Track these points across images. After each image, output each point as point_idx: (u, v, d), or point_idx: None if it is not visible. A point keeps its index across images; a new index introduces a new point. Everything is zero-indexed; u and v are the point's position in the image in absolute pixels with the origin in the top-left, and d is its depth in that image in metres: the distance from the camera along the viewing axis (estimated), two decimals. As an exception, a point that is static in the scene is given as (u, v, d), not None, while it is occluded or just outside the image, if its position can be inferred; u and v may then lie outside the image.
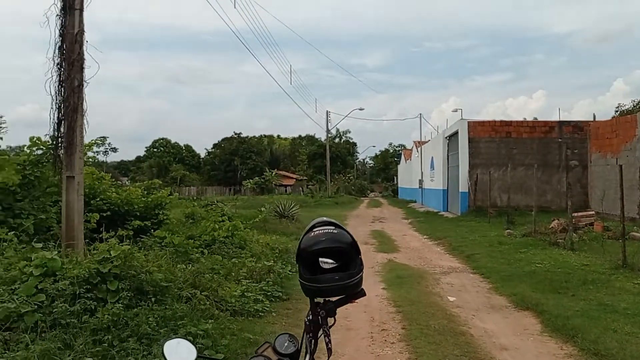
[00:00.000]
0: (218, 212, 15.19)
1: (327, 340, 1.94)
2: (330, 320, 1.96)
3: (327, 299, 1.95)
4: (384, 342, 6.35)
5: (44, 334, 5.00)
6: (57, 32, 8.14)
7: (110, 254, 6.08)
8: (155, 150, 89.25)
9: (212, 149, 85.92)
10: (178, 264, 8.07)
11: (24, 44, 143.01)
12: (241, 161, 76.78)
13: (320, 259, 1.88)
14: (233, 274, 8.88)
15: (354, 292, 1.94)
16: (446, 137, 30.18)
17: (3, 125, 9.99)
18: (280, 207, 21.74)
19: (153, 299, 6.02)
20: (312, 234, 1.92)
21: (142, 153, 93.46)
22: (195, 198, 33.11)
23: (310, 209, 31.07)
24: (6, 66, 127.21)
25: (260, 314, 7.31)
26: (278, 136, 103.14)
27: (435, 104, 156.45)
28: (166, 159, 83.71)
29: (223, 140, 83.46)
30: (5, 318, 5.11)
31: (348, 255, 1.91)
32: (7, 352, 4.49)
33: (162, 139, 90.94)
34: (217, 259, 9.54)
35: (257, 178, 65.64)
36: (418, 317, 7.39)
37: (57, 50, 8.16)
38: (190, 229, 12.83)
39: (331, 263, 1.88)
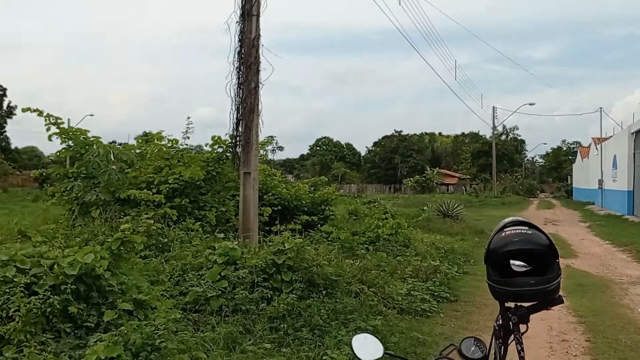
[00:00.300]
0: (381, 210, 15.27)
1: (520, 348, 1.83)
2: (523, 327, 1.84)
3: (518, 304, 1.83)
4: (565, 354, 5.84)
5: (227, 317, 5.42)
6: (237, 37, 8.82)
7: (284, 246, 6.39)
8: (318, 148, 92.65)
9: (372, 147, 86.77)
10: (345, 259, 8.24)
11: (202, 52, 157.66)
12: (401, 159, 76.48)
13: (512, 261, 1.77)
14: (398, 271, 8.86)
15: (551, 299, 1.79)
16: (632, 133, 27.16)
17: (190, 126, 11.08)
18: (444, 206, 21.28)
19: (324, 292, 6.20)
20: (503, 234, 1.81)
21: (305, 151, 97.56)
22: (356, 195, 33.76)
23: (474, 209, 29.94)
24: (190, 74, 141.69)
25: (427, 313, 7.17)
26: (440, 134, 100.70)
27: (616, 97, 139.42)
28: (328, 157, 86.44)
29: (383, 138, 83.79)
30: (194, 301, 5.64)
31: (543, 258, 1.78)
32: (197, 332, 4.94)
33: (325, 137, 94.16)
34: (382, 256, 9.58)
35: (417, 176, 64.99)
36: (604, 329, 6.69)
37: (236, 55, 8.83)
38: (354, 226, 13.06)
39: (523, 266, 1.77)
